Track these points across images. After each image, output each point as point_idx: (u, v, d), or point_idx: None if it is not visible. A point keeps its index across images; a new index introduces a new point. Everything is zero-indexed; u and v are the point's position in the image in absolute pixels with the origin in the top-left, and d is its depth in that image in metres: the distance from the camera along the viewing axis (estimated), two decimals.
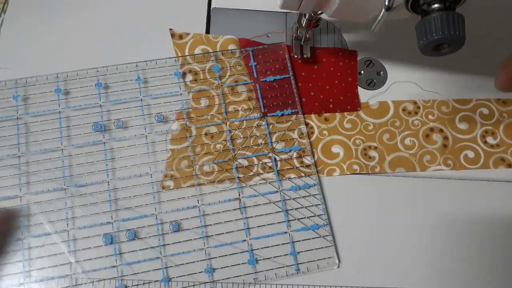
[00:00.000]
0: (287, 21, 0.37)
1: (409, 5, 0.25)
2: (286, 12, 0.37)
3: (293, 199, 0.32)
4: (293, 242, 0.31)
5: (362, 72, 0.36)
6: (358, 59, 0.37)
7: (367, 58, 0.37)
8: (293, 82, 0.35)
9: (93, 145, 0.33)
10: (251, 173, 0.32)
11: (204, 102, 0.34)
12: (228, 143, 0.33)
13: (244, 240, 0.31)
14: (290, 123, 0.34)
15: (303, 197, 0.32)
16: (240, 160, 0.33)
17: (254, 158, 0.33)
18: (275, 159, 0.33)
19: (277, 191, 0.32)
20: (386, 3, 0.24)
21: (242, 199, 0.32)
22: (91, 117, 0.33)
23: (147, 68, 0.35)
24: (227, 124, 0.34)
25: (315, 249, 0.31)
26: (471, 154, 0.34)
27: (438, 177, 0.33)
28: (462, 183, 0.33)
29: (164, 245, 0.30)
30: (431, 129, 0.34)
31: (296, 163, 0.33)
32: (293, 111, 0.34)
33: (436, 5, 0.23)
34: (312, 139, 0.34)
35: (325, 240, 0.31)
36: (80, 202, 0.31)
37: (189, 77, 0.35)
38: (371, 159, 0.33)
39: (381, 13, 0.25)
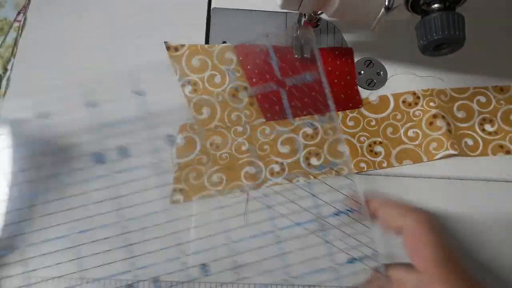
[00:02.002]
0: (287, 21, 0.37)
1: (409, 5, 0.25)
2: (286, 12, 0.37)
3: (336, 227, 0.29)
4: (340, 277, 0.28)
5: (362, 72, 0.36)
6: (358, 59, 0.37)
7: (367, 58, 0.37)
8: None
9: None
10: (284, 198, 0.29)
11: (206, 112, 0.34)
12: (235, 149, 0.33)
13: (285, 280, 0.27)
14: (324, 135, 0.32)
15: (347, 224, 0.29)
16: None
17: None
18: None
19: (315, 219, 0.29)
20: (386, 3, 0.24)
21: (279, 231, 0.28)
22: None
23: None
24: (231, 132, 0.34)
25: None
26: (470, 141, 0.34)
27: (438, 177, 0.33)
28: (462, 183, 0.33)
29: None
30: (434, 116, 0.34)
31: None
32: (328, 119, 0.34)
33: (436, 5, 0.23)
34: (317, 139, 0.34)
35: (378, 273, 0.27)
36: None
37: (189, 88, 0.34)
38: (377, 154, 0.33)
39: (381, 13, 0.25)
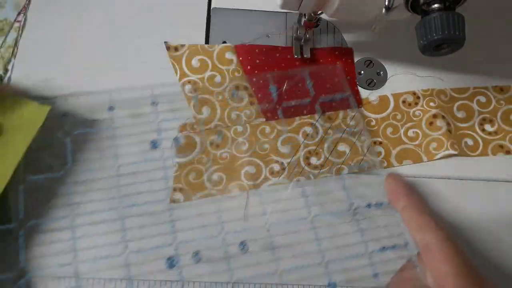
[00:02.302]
0: (287, 21, 0.37)
1: (409, 5, 0.25)
2: (286, 12, 0.37)
3: (368, 218, 0.30)
4: (373, 264, 0.29)
5: (362, 72, 0.36)
6: (358, 59, 0.37)
7: (367, 58, 0.37)
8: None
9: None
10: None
11: (206, 111, 0.34)
12: (236, 149, 0.33)
13: (319, 264, 0.29)
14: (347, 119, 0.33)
15: (378, 216, 0.30)
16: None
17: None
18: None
19: (349, 210, 0.30)
20: (386, 3, 0.24)
21: (313, 218, 0.30)
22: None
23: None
24: (231, 131, 0.34)
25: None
26: (470, 142, 0.34)
27: (438, 177, 0.33)
28: (462, 183, 0.33)
29: (232, 268, 0.28)
30: (434, 116, 0.34)
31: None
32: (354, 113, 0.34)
33: (436, 5, 0.23)
34: (317, 139, 0.34)
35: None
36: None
37: (188, 87, 0.34)
38: (377, 154, 0.34)
39: (381, 13, 0.25)
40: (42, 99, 0.33)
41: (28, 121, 0.30)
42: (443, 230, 0.26)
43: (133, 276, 0.28)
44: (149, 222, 0.30)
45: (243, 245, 0.29)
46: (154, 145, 0.32)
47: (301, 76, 0.35)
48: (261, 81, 0.35)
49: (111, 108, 0.33)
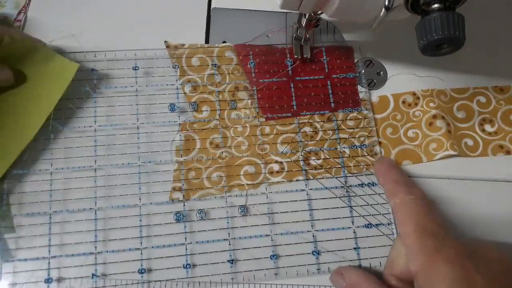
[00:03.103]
0: (287, 21, 0.37)
1: (409, 5, 0.25)
2: (286, 12, 0.37)
3: (359, 196, 0.32)
4: (356, 238, 0.31)
5: (362, 72, 0.36)
6: (358, 59, 0.37)
7: (367, 58, 0.37)
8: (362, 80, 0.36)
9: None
10: (318, 170, 0.33)
11: (205, 110, 0.34)
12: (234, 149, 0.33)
13: (309, 231, 0.31)
14: (357, 122, 0.34)
15: (369, 195, 0.32)
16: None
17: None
18: (342, 156, 0.33)
19: (343, 187, 0.33)
20: (386, 3, 0.24)
21: (309, 191, 0.32)
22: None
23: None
24: (231, 131, 0.34)
25: (378, 246, 0.31)
26: (470, 142, 0.34)
27: (438, 177, 0.33)
28: (462, 183, 0.33)
29: (232, 227, 0.31)
30: (434, 116, 0.34)
31: (365, 160, 0.33)
32: (357, 109, 0.35)
33: (436, 5, 0.23)
34: (317, 139, 0.34)
35: (388, 238, 0.31)
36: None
37: (188, 87, 0.34)
38: (377, 154, 0.34)
39: (381, 13, 0.25)
40: None
41: (59, 76, 0.32)
42: (411, 194, 0.28)
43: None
44: (160, 179, 0.32)
45: (243, 207, 0.32)
46: (172, 108, 0.33)
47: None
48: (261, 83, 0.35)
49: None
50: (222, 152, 0.33)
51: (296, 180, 0.33)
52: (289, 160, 0.33)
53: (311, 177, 0.33)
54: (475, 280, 0.24)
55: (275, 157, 0.33)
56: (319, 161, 0.33)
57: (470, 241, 0.28)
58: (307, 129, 0.34)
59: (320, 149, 0.34)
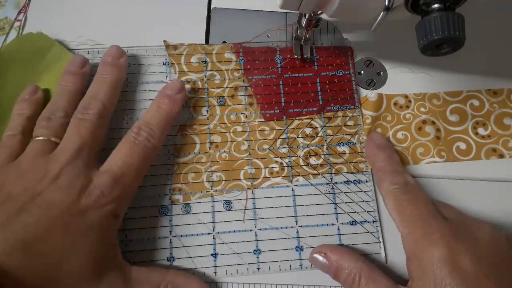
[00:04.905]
0: (287, 21, 0.37)
1: (409, 5, 0.25)
2: (286, 12, 0.37)
3: (344, 193, 0.32)
4: (340, 234, 0.31)
5: (362, 72, 0.36)
6: (358, 59, 0.37)
7: (367, 58, 0.37)
8: (353, 78, 0.36)
9: None
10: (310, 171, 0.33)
11: (205, 111, 0.34)
12: (233, 148, 0.33)
13: (293, 227, 0.31)
14: (347, 118, 0.34)
15: (354, 192, 0.33)
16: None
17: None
18: (329, 153, 0.33)
19: (328, 183, 0.33)
20: (386, 3, 0.24)
21: (294, 187, 0.32)
22: None
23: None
24: (231, 131, 0.34)
25: (362, 243, 0.31)
26: (463, 145, 0.34)
27: (439, 177, 0.33)
28: (462, 183, 0.33)
29: (216, 222, 0.32)
30: (424, 121, 0.34)
31: (350, 158, 0.33)
32: (350, 107, 0.35)
33: (436, 5, 0.23)
34: (317, 139, 0.34)
35: (373, 236, 0.31)
36: None
37: (188, 87, 0.34)
38: (364, 153, 0.34)
39: (381, 13, 0.25)
40: None
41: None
42: (394, 184, 0.30)
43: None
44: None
45: (228, 203, 0.32)
46: None
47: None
48: (260, 82, 0.35)
49: None
50: (222, 152, 0.33)
51: (296, 180, 0.33)
52: (289, 160, 0.33)
53: (311, 177, 0.33)
54: (461, 261, 0.25)
55: (275, 157, 0.33)
56: (319, 161, 0.33)
57: (463, 218, 0.29)
58: (307, 129, 0.34)
59: (320, 149, 0.34)
